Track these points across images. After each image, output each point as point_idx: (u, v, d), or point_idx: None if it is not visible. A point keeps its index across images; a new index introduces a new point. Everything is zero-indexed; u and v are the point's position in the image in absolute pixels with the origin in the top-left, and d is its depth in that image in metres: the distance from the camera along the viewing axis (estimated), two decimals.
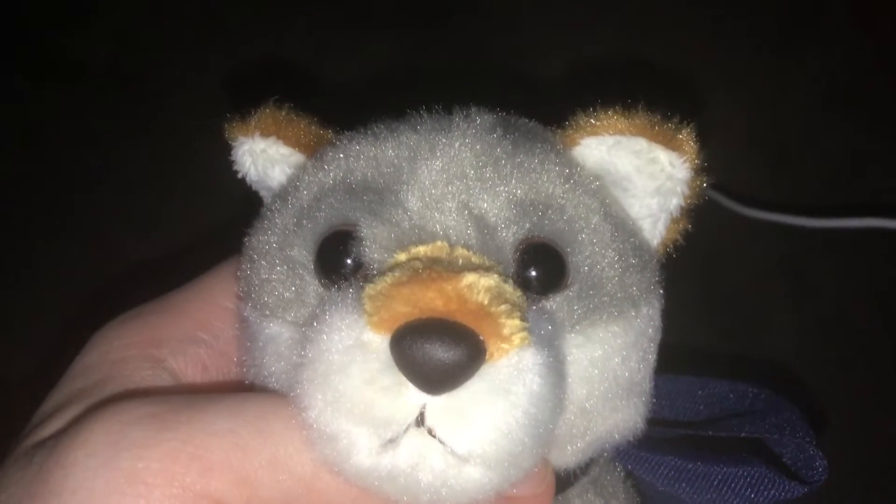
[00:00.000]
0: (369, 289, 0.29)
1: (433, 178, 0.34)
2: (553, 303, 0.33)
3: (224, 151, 0.40)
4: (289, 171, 0.38)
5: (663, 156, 0.35)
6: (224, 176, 0.40)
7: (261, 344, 0.35)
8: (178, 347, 0.38)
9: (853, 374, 0.78)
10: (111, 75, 1.00)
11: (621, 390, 0.35)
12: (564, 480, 0.37)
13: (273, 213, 0.37)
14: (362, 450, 0.29)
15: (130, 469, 0.29)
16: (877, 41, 0.99)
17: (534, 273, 0.33)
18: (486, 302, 0.29)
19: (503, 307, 0.29)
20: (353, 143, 0.36)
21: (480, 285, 0.29)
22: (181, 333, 0.38)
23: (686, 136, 0.35)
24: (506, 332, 0.28)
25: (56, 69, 1.02)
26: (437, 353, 0.27)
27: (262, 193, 0.40)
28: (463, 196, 0.33)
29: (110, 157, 0.93)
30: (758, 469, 0.40)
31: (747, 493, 0.40)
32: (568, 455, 0.36)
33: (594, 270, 0.34)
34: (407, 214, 0.33)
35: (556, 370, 0.30)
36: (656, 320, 0.37)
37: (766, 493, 0.39)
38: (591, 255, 0.34)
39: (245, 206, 0.41)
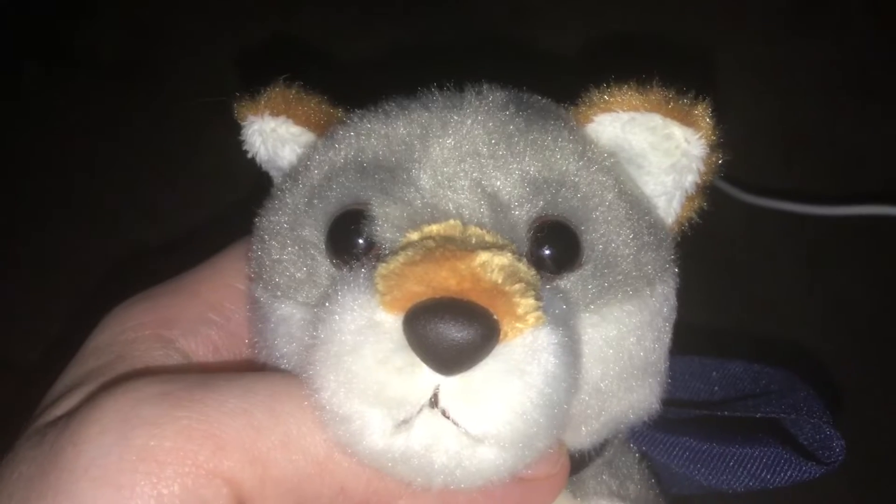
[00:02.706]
0: (382, 268, 0.29)
1: (445, 155, 0.33)
2: (567, 282, 0.33)
3: (234, 132, 0.39)
4: (299, 150, 0.38)
5: (679, 132, 0.35)
6: (234, 158, 0.40)
7: (272, 325, 0.35)
8: (189, 328, 0.38)
9: (864, 361, 0.77)
10: (121, 59, 1.00)
11: (636, 370, 0.34)
12: (579, 462, 0.36)
13: (284, 193, 0.36)
14: (375, 431, 0.29)
15: (143, 446, 0.28)
16: (891, 27, 0.97)
17: (548, 252, 0.33)
18: (499, 280, 0.28)
19: (517, 286, 0.29)
20: (364, 121, 0.36)
21: (494, 264, 0.29)
22: (193, 315, 0.38)
23: (701, 113, 0.35)
24: (520, 311, 0.28)
25: (64, 54, 1.01)
26: (451, 332, 0.27)
27: (273, 173, 0.40)
28: (476, 174, 0.33)
29: (120, 141, 0.93)
30: (774, 450, 0.39)
31: (763, 473, 0.39)
32: (582, 436, 0.35)
33: (609, 249, 0.34)
34: (419, 193, 0.33)
35: (571, 350, 0.30)
36: (671, 299, 0.36)
37: (782, 473, 0.39)
38: (605, 233, 0.34)
39: (255, 187, 0.40)
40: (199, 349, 0.38)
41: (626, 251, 0.34)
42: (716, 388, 0.45)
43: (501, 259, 0.29)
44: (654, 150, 0.35)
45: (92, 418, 0.30)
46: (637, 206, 0.35)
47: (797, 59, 0.97)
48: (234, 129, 0.39)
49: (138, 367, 0.35)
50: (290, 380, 0.31)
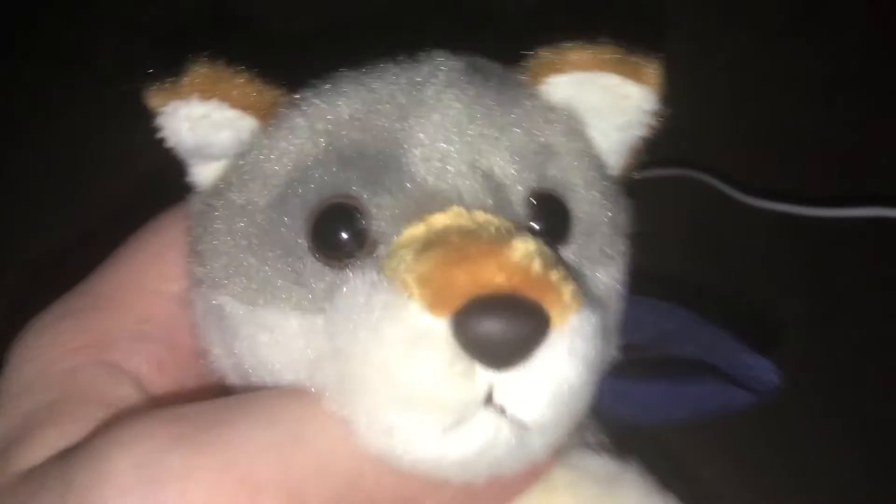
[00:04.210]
0: (413, 269, 0.27)
1: (431, 136, 0.31)
2: (565, 253, 0.33)
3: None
4: (237, 136, 0.34)
5: (635, 90, 0.35)
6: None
7: (248, 334, 0.31)
8: (129, 348, 0.33)
9: (864, 362, 0.78)
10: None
11: (612, 326, 0.35)
12: None
13: (240, 189, 0.33)
14: (427, 438, 0.28)
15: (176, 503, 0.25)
16: (891, 27, 0.97)
17: (544, 226, 0.32)
18: (543, 271, 0.28)
19: (558, 273, 0.28)
20: (324, 102, 0.33)
21: (533, 253, 0.28)
22: (127, 331, 0.34)
23: (652, 68, 0.35)
24: (566, 298, 0.28)
25: (62, 59, 0.90)
26: (511, 331, 0.26)
27: (193, 161, 0.36)
28: (467, 154, 0.31)
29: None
30: (712, 384, 0.42)
31: (704, 405, 0.42)
32: None
33: (591, 216, 0.34)
34: (414, 180, 0.31)
35: (603, 325, 0.30)
36: (627, 254, 0.37)
37: (721, 402, 0.42)
38: (587, 200, 0.34)
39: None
40: (144, 369, 0.34)
41: (603, 216, 0.35)
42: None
43: (533, 246, 0.28)
44: (610, 108, 0.35)
45: (104, 476, 0.26)
46: (601, 168, 0.36)
47: (796, 58, 0.97)
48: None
49: (94, 401, 0.30)
50: (306, 398, 0.29)
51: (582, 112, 0.36)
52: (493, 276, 0.27)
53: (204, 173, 0.35)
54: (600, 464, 0.39)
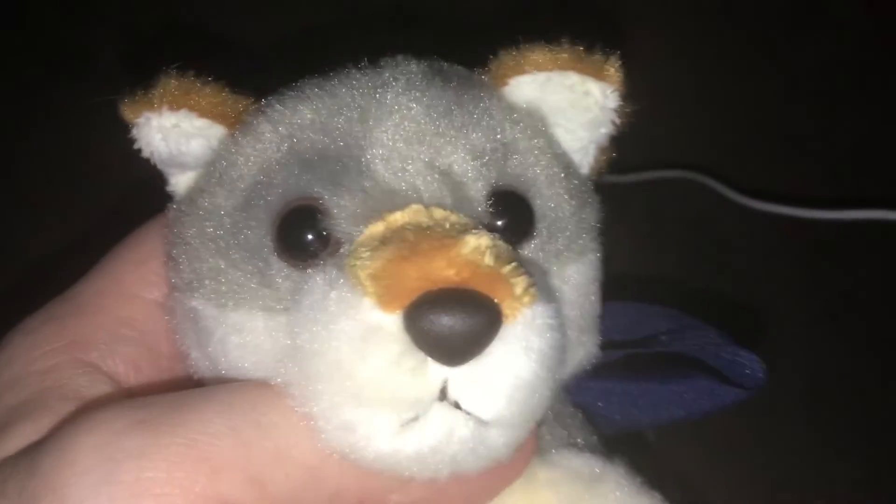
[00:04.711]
0: (366, 266, 0.28)
1: (391, 137, 0.32)
2: (527, 250, 0.33)
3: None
4: (207, 144, 0.35)
5: (596, 88, 0.35)
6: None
7: (220, 336, 0.32)
8: (106, 349, 0.35)
9: (864, 364, 0.78)
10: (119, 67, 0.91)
11: (586, 325, 0.36)
12: None
13: (209, 194, 0.34)
14: (383, 433, 0.28)
15: (134, 482, 0.26)
16: (891, 28, 0.97)
17: (505, 222, 0.33)
18: (493, 264, 0.28)
19: (510, 266, 0.28)
20: (287, 108, 0.34)
21: (483, 247, 0.28)
22: (106, 333, 0.35)
23: (612, 66, 0.35)
24: (518, 291, 0.28)
25: (63, 61, 0.93)
26: (461, 325, 0.27)
27: (170, 171, 0.37)
28: (426, 154, 0.32)
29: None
30: (699, 380, 0.42)
31: (693, 403, 0.42)
32: None
33: (556, 212, 0.34)
34: (374, 180, 0.32)
35: (561, 319, 0.30)
36: (599, 252, 0.38)
37: (710, 400, 0.41)
38: (550, 197, 0.34)
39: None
40: (121, 369, 0.35)
41: (568, 212, 0.35)
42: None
43: (486, 240, 0.29)
44: (573, 107, 0.36)
45: (66, 460, 0.27)
46: (567, 166, 0.36)
47: (796, 59, 0.97)
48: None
49: (70, 397, 0.32)
50: (267, 389, 0.30)
51: (547, 112, 0.36)
52: (442, 271, 0.27)
53: (181, 182, 0.36)
54: (584, 462, 0.38)
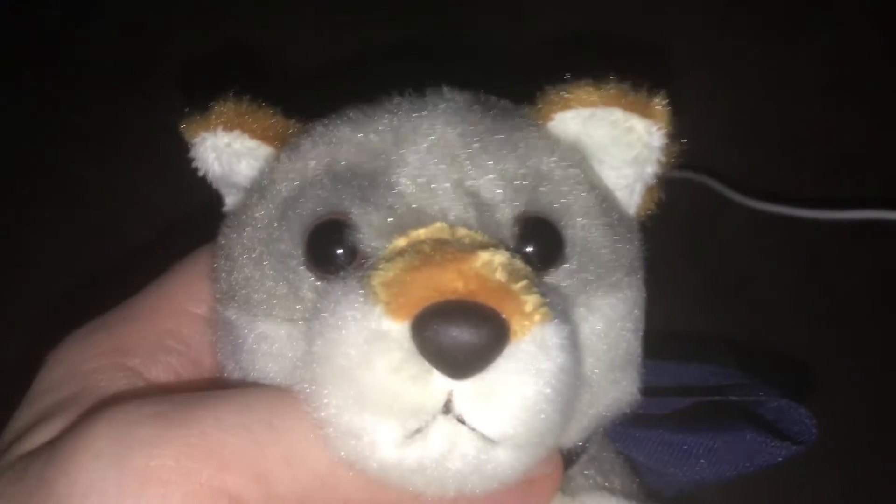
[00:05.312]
0: (379, 276, 0.28)
1: (423, 158, 0.33)
2: (554, 278, 0.33)
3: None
4: (256, 164, 0.37)
5: (640, 125, 0.35)
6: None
7: (250, 345, 0.33)
8: (149, 357, 0.36)
9: (864, 364, 0.77)
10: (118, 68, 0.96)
11: (620, 362, 0.35)
12: (566, 459, 0.36)
13: (251, 208, 0.35)
14: (387, 443, 0.28)
15: (143, 468, 0.27)
16: (891, 27, 0.96)
17: (533, 248, 0.33)
18: (504, 279, 0.28)
19: (522, 283, 0.28)
20: (330, 130, 0.35)
21: (496, 262, 0.28)
22: (151, 343, 0.37)
23: (659, 104, 0.35)
24: (528, 308, 0.28)
25: (59, 62, 0.97)
26: (464, 336, 0.26)
27: (225, 191, 0.39)
28: (455, 175, 0.33)
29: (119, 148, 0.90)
30: (749, 434, 0.40)
31: (742, 459, 0.40)
32: (571, 432, 0.35)
33: (588, 243, 0.34)
34: (401, 198, 0.32)
35: (575, 343, 0.30)
36: (643, 290, 0.37)
37: (761, 456, 0.39)
38: (584, 227, 0.34)
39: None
40: (161, 377, 0.36)
41: (604, 244, 0.34)
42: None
43: (501, 257, 0.29)
44: (616, 143, 0.36)
45: (82, 444, 0.28)
46: (606, 200, 0.36)
47: (796, 59, 0.97)
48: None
49: (108, 396, 0.33)
50: (284, 394, 0.30)
51: (591, 148, 0.36)
52: (451, 282, 0.28)
53: (233, 202, 0.38)
54: None
